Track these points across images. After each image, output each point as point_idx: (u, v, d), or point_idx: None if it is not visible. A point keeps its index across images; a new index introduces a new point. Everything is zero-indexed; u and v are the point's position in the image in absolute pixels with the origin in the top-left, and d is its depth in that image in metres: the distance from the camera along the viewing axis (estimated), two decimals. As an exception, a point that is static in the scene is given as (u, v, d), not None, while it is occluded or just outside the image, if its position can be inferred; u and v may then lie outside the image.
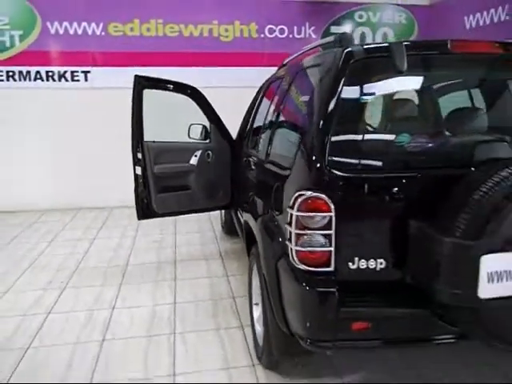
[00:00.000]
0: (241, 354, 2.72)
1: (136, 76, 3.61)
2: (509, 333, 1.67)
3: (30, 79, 5.92)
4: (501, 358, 2.62)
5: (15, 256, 4.51)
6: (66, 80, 6.01)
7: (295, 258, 1.88)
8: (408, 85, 2.17)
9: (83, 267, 4.19)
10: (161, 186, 3.94)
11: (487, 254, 1.55)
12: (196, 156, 4.02)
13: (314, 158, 1.86)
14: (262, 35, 6.44)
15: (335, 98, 1.87)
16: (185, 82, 3.93)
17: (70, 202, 6.27)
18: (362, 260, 1.87)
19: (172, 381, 2.47)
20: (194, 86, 3.94)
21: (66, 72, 5.99)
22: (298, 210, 1.83)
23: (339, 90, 1.87)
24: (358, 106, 1.97)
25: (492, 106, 2.42)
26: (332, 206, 1.80)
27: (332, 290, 1.81)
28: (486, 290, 1.58)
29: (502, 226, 1.56)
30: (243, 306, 3.25)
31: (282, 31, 6.48)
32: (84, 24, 5.92)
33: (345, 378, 2.49)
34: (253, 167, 3.07)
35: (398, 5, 6.71)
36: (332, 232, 1.82)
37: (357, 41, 6.50)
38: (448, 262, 1.62)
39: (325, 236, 1.83)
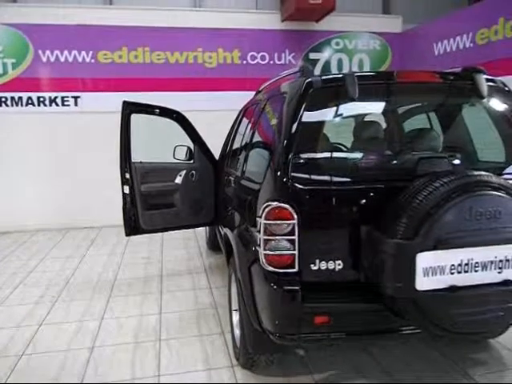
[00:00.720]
0: (221, 357, 2.94)
1: (124, 102, 3.89)
2: (444, 320, 1.94)
3: (21, 104, 6.19)
4: (450, 347, 2.94)
5: (6, 273, 4.68)
6: (57, 105, 6.29)
7: (264, 261, 2.14)
8: (361, 109, 2.49)
9: (73, 282, 4.38)
10: (147, 204, 4.18)
11: (422, 251, 1.83)
12: (181, 175, 4.28)
13: (279, 173, 2.15)
14: (245, 61, 6.82)
15: (297, 121, 2.17)
16: (171, 106, 4.22)
17: (61, 222, 6.47)
18: (323, 262, 2.13)
19: (157, 381, 2.68)
20: (180, 109, 4.22)
21: (56, 97, 6.27)
22: (266, 219, 2.10)
23: (300, 114, 2.18)
24: (316, 128, 2.28)
25: (435, 128, 2.74)
26: (295, 215, 2.08)
27: (296, 288, 2.07)
28: (422, 283, 1.86)
29: (433, 228, 1.85)
30: (225, 314, 3.48)
31: (263, 57, 6.87)
32: (74, 52, 6.24)
33: (315, 375, 2.72)
34: (231, 184, 3.34)
35: (373, 32, 7.16)
36: (295, 237, 2.09)
37: (334, 67, 6.94)
38: (391, 260, 1.89)
39: (289, 241, 2.09)
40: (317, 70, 7.07)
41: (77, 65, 6.27)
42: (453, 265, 1.87)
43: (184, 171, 4.29)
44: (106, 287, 4.22)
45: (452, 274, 1.87)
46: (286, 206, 2.08)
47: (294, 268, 2.11)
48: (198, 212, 4.39)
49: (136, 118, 4.05)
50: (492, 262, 1.90)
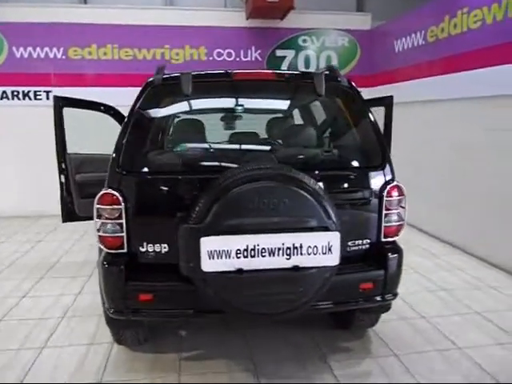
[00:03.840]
0: (108, 334, 3.17)
1: (55, 96, 4.15)
2: (235, 300, 2.11)
3: (-4, 98, 6.60)
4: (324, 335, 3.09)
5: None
6: (30, 99, 6.66)
7: (100, 243, 2.35)
8: (194, 106, 2.66)
9: (17, 263, 4.72)
10: (82, 192, 4.45)
11: (206, 236, 2.01)
12: None
13: (112, 164, 2.36)
14: (211, 58, 7.01)
15: (132, 116, 2.38)
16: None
17: (35, 209, 6.83)
18: (150, 245, 2.33)
19: (41, 349, 2.95)
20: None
21: (29, 91, 6.65)
22: (98, 204, 2.32)
23: (135, 110, 2.38)
24: (148, 123, 2.48)
25: (272, 123, 2.88)
26: (122, 201, 2.28)
27: (120, 267, 2.28)
28: (207, 265, 2.03)
29: (217, 215, 2.02)
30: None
31: (229, 54, 7.04)
32: (46, 49, 6.59)
33: (184, 353, 2.93)
34: None
35: (341, 30, 7.21)
36: (123, 221, 2.29)
37: (301, 64, 7.03)
38: (182, 242, 2.08)
39: (118, 224, 2.30)
40: (284, 67, 7.18)
41: (48, 61, 6.61)
42: (238, 249, 2.03)
43: None
44: (43, 269, 4.53)
45: (238, 258, 2.04)
46: (115, 192, 2.29)
47: (123, 249, 2.32)
48: None
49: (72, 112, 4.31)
50: (280, 249, 2.05)
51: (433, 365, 2.79)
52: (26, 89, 6.63)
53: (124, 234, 2.30)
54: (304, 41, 7.17)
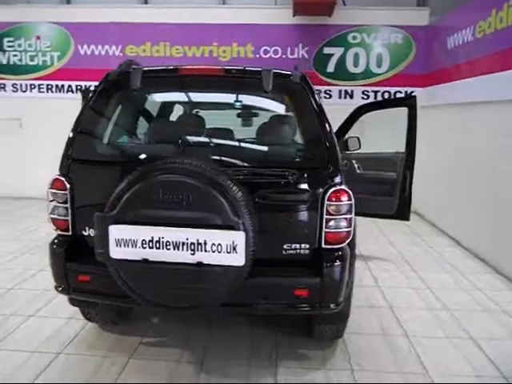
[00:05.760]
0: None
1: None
2: (142, 290, 2.15)
3: (63, 91, 7.31)
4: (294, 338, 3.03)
5: None
6: (90, 92, 7.28)
7: (52, 224, 2.55)
8: (141, 100, 2.72)
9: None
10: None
11: (114, 224, 2.08)
12: None
13: (64, 151, 2.54)
14: (258, 55, 7.06)
15: (85, 107, 2.54)
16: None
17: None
18: (91, 229, 2.46)
19: (29, 317, 3.27)
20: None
21: (90, 86, 7.26)
22: (50, 188, 2.51)
23: (89, 101, 2.53)
24: (97, 114, 2.61)
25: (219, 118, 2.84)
26: (68, 186, 2.45)
27: (61, 249, 2.45)
28: (115, 253, 2.11)
29: (125, 205, 2.09)
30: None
31: (275, 52, 7.03)
32: (106, 46, 7.15)
33: (145, 338, 3.06)
34: None
35: (395, 26, 6.82)
36: (68, 206, 2.46)
37: (350, 61, 6.82)
38: (96, 229, 2.17)
39: (64, 208, 2.48)
40: (331, 65, 7.00)
41: (107, 57, 7.17)
42: (144, 240, 2.08)
43: None
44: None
45: (144, 248, 2.08)
46: (62, 178, 2.47)
47: (68, 231, 2.49)
48: None
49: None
50: (184, 243, 2.06)
51: (384, 387, 2.60)
52: (87, 83, 7.26)
53: (69, 218, 2.48)
54: (354, 38, 6.91)
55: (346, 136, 4.77)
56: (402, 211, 4.55)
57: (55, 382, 2.57)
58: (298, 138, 2.52)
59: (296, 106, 2.58)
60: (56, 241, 2.53)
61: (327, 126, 2.47)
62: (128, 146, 2.65)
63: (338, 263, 2.37)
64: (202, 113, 3.17)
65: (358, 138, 4.78)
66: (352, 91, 7.03)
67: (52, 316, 3.36)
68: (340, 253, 2.42)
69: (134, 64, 2.69)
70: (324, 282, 2.34)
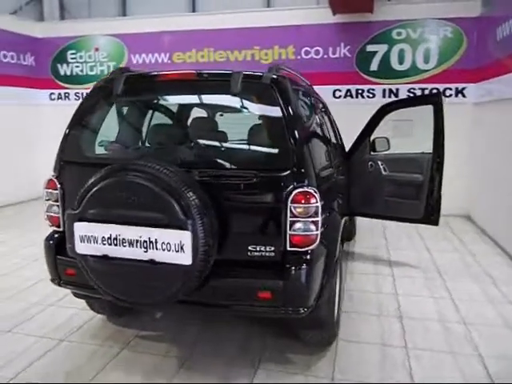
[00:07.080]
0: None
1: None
2: (105, 286, 2.28)
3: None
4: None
5: None
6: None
7: (48, 221, 2.79)
8: (123, 105, 2.84)
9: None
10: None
11: (78, 221, 2.23)
12: None
13: (57, 153, 2.76)
14: (299, 56, 7.03)
15: (76, 112, 2.75)
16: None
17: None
18: None
19: (48, 306, 3.59)
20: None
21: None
22: (45, 188, 2.75)
23: (78, 107, 2.74)
24: (85, 119, 2.79)
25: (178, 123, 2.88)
26: (59, 186, 2.67)
27: (53, 243, 2.68)
28: (80, 248, 2.27)
29: (86, 203, 2.24)
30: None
31: (317, 52, 6.94)
32: (156, 55, 7.55)
33: (143, 332, 3.23)
34: None
35: (443, 19, 6.40)
36: (59, 204, 2.68)
37: (395, 58, 6.56)
38: (66, 226, 2.34)
39: (57, 206, 2.71)
40: (374, 63, 6.75)
41: (156, 65, 7.57)
42: (103, 237, 2.21)
43: None
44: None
45: (104, 244, 2.22)
46: (54, 178, 2.69)
47: (60, 227, 2.71)
48: None
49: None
50: (138, 241, 2.16)
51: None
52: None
53: (60, 215, 2.70)
54: (398, 34, 6.60)
55: (373, 137, 4.60)
56: (430, 215, 4.29)
57: (48, 366, 2.81)
58: (265, 140, 2.51)
59: (264, 108, 2.58)
60: (48, 236, 2.77)
61: (298, 127, 2.43)
62: (108, 149, 2.84)
63: (304, 266, 2.33)
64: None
65: (386, 139, 4.59)
66: (397, 89, 6.71)
67: (67, 306, 3.64)
68: (308, 256, 2.37)
69: (126, 71, 2.85)
70: (287, 285, 2.31)
